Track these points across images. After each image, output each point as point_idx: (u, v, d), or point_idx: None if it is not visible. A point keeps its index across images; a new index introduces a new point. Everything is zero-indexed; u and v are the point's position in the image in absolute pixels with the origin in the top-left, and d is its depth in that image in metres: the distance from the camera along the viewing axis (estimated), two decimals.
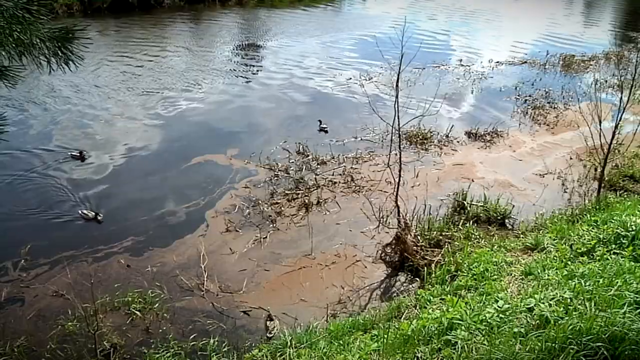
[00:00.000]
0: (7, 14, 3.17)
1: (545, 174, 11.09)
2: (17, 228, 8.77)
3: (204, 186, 10.26)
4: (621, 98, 9.11)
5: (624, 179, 10.42)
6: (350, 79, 17.98)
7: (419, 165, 11.25)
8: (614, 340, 3.67)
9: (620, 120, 9.13)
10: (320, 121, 13.23)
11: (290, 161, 11.46)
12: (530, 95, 16.60)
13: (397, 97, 7.74)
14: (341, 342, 5.32)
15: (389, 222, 8.53)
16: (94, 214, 9.00)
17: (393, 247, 8.00)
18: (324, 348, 5.14)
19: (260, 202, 9.63)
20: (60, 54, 3.59)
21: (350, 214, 9.34)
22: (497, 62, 21.06)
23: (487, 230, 8.65)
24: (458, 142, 12.77)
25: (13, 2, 3.20)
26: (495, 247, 7.45)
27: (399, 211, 8.02)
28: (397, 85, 7.73)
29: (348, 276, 7.73)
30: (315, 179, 10.54)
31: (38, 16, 3.36)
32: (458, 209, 9.32)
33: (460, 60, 21.04)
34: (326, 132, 13.12)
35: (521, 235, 8.08)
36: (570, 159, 11.92)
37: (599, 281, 4.97)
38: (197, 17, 30.68)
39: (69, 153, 10.97)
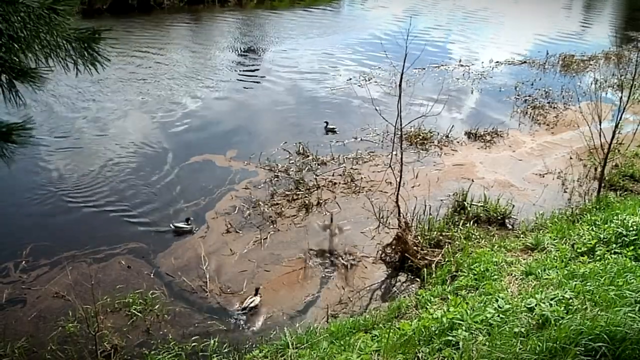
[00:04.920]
0: (34, 14, 3.12)
1: (545, 173, 11.09)
2: (18, 229, 8.77)
3: (204, 187, 10.26)
4: (621, 97, 9.12)
5: (624, 178, 10.42)
6: (350, 79, 17.98)
7: (419, 165, 11.25)
8: (615, 340, 3.66)
9: (620, 120, 9.13)
10: (326, 122, 13.23)
11: (291, 162, 11.45)
12: (530, 95, 16.61)
13: (399, 97, 7.75)
14: (342, 342, 5.31)
15: (389, 223, 8.52)
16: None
17: (393, 247, 8.00)
18: (325, 348, 5.13)
19: (260, 203, 9.63)
20: (86, 55, 3.53)
21: (351, 215, 9.34)
22: (497, 62, 21.07)
23: (487, 230, 8.65)
24: (458, 142, 12.77)
25: (39, 2, 3.17)
26: (496, 247, 7.45)
27: (399, 211, 8.02)
28: (399, 86, 7.74)
29: (348, 276, 7.74)
30: (316, 179, 10.54)
31: (64, 16, 3.31)
32: (458, 209, 9.32)
33: (460, 61, 21.05)
34: (335, 132, 13.12)
35: (521, 235, 8.08)
36: (570, 158, 11.92)
37: (599, 281, 4.97)
38: (197, 19, 30.70)
39: (186, 218, 8.87)
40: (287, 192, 10.07)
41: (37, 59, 3.33)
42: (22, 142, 3.62)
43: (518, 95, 16.62)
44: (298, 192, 10.06)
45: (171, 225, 8.76)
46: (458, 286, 6.22)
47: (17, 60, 3.31)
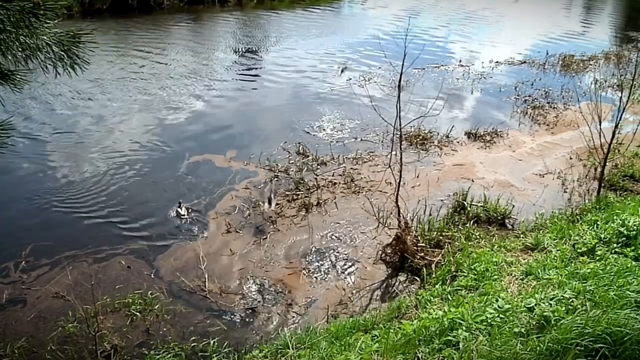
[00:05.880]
0: (14, 17, 3.15)
1: (545, 173, 11.09)
2: (18, 229, 8.77)
3: (204, 187, 10.26)
4: (621, 97, 9.12)
5: (624, 178, 10.42)
6: (350, 79, 17.98)
7: (419, 165, 11.25)
8: (616, 341, 3.66)
9: (620, 120, 9.13)
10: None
11: (290, 162, 11.45)
12: (530, 95, 16.61)
13: (399, 97, 7.74)
14: (342, 342, 5.31)
15: (389, 223, 8.52)
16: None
17: (393, 247, 8.00)
18: (325, 349, 5.13)
19: (260, 203, 9.63)
20: (66, 59, 3.57)
21: (351, 215, 9.34)
22: (497, 62, 21.07)
23: (487, 230, 8.64)
24: (458, 142, 12.77)
25: (19, 6, 3.19)
26: (496, 247, 7.45)
27: (399, 211, 8.01)
28: (399, 86, 7.74)
29: (348, 277, 7.73)
30: (316, 179, 10.54)
31: (44, 20, 3.34)
32: (458, 209, 9.31)
33: (460, 61, 21.05)
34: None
35: (521, 235, 8.07)
36: (570, 158, 11.92)
37: (600, 281, 4.97)
38: (197, 19, 30.70)
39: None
40: (287, 192, 10.07)
41: (17, 61, 3.38)
42: (0, 142, 3.65)
43: (518, 95, 16.62)
44: (298, 192, 10.06)
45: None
46: (458, 286, 6.22)
47: None
